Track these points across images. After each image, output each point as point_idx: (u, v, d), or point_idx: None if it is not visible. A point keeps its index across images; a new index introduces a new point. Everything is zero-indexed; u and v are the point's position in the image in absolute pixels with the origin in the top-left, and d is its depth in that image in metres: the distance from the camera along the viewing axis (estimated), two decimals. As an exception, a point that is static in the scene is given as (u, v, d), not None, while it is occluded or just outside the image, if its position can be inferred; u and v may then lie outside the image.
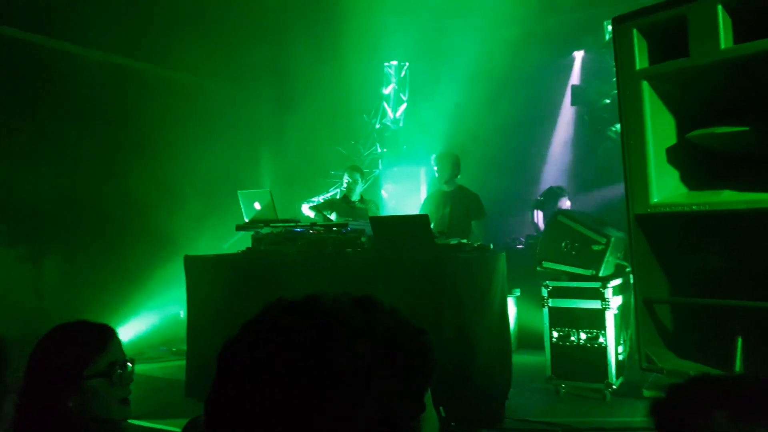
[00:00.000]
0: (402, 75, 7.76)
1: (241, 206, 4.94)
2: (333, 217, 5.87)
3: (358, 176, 5.92)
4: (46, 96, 5.69)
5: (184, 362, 4.63)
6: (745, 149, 2.27)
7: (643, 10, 2.38)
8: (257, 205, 4.91)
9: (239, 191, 4.98)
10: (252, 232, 4.83)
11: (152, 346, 5.85)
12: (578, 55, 7.07)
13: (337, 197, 6.27)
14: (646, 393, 2.21)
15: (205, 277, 4.64)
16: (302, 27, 7.02)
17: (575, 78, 7.04)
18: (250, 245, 4.78)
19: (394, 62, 7.72)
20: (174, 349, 5.91)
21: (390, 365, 0.72)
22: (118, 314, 5.80)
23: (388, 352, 0.74)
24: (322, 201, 6.35)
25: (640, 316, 2.42)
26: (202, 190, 6.30)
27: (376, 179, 7.67)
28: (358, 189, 5.94)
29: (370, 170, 7.09)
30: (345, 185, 5.98)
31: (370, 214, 5.85)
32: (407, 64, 7.71)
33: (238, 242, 5.70)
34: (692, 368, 2.30)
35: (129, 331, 5.79)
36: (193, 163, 6.40)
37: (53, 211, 5.63)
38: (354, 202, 5.90)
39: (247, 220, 4.92)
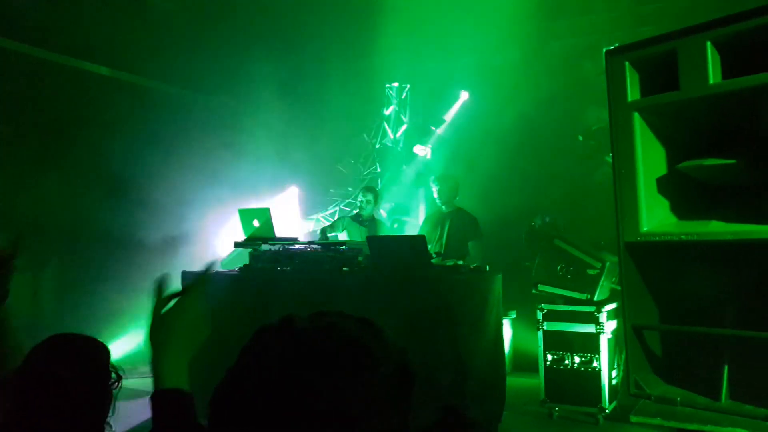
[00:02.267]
0: (403, 96, 7.86)
1: (241, 223, 4.99)
2: (344, 236, 5.93)
3: (371, 197, 6.00)
4: (50, 108, 5.77)
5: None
6: (733, 181, 2.32)
7: (636, 44, 2.45)
8: (256, 223, 4.96)
9: (239, 209, 5.04)
10: (250, 249, 4.87)
11: (147, 361, 5.84)
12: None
13: (347, 216, 6.32)
14: (633, 419, 2.24)
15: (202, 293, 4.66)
16: (307, 46, 7.13)
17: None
18: (248, 262, 4.82)
19: (396, 84, 7.82)
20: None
21: (394, 391, 0.77)
22: (115, 327, 5.81)
23: (395, 378, 0.79)
24: (335, 220, 6.41)
25: (629, 342, 2.46)
26: (201, 206, 6.35)
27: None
28: (371, 209, 6.01)
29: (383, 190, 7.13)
30: (359, 204, 6.06)
31: (380, 232, 5.92)
32: (408, 85, 7.81)
33: (236, 259, 5.74)
34: (680, 395, 2.33)
35: (124, 345, 5.81)
36: (193, 179, 6.46)
37: (54, 222, 5.67)
38: (365, 221, 5.97)
39: (245, 237, 4.96)
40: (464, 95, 7.39)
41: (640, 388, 2.39)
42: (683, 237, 2.29)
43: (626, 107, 2.43)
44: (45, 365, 1.51)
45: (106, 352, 1.65)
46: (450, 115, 7.32)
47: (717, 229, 2.23)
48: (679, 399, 2.30)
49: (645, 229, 2.39)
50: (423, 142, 7.57)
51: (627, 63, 2.43)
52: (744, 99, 2.19)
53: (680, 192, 2.43)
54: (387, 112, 7.90)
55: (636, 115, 2.41)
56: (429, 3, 6.19)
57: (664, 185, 2.42)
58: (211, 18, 6.49)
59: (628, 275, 2.47)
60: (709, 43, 2.22)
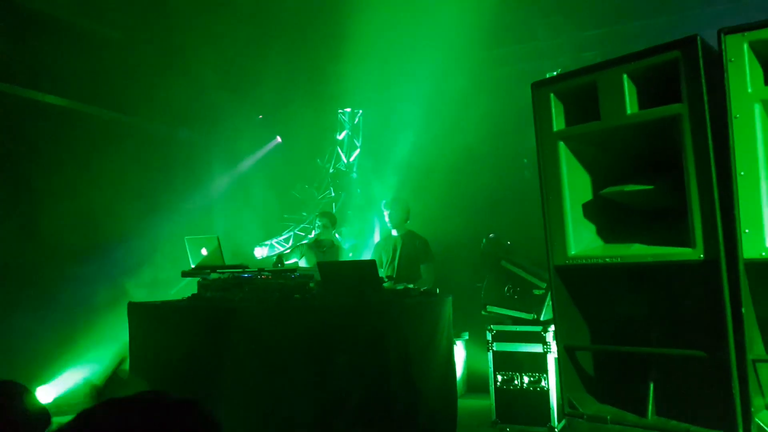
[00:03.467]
0: (355, 122, 7.95)
1: (188, 252, 4.93)
2: (303, 262, 5.91)
3: (327, 221, 6.01)
4: (7, 140, 5.63)
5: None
6: (653, 205, 2.44)
7: (560, 77, 2.57)
8: (204, 251, 4.91)
9: (186, 237, 4.98)
10: (198, 279, 4.81)
11: (88, 396, 5.67)
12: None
13: (305, 243, 6.32)
14: (565, 438, 2.30)
15: (149, 325, 4.59)
16: (255, 75, 7.15)
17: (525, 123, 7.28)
18: (195, 292, 4.76)
19: (348, 109, 7.91)
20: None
21: None
22: (57, 364, 5.63)
23: None
24: (294, 247, 6.38)
25: (562, 362, 2.53)
26: (149, 235, 6.25)
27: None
28: (328, 234, 6.02)
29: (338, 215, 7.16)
30: (315, 229, 6.06)
31: (341, 258, 5.93)
32: (360, 111, 7.91)
33: (185, 288, 5.65)
34: (610, 413, 2.41)
35: (67, 381, 5.63)
36: (143, 208, 6.36)
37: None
38: (324, 247, 5.96)
39: (193, 266, 4.90)
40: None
41: (574, 408, 2.46)
42: (608, 260, 2.39)
43: (552, 136, 2.54)
44: None
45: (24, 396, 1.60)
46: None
47: (639, 251, 2.34)
48: (609, 417, 2.38)
49: (572, 252, 2.48)
50: (375, 168, 7.66)
51: (552, 94, 2.55)
52: (659, 127, 2.32)
53: (605, 216, 2.54)
54: (340, 137, 7.97)
55: (561, 144, 2.52)
56: (379, 30, 6.31)
57: (589, 210, 2.53)
58: (166, 49, 6.47)
59: (559, 297, 2.55)
60: (625, 76, 2.35)
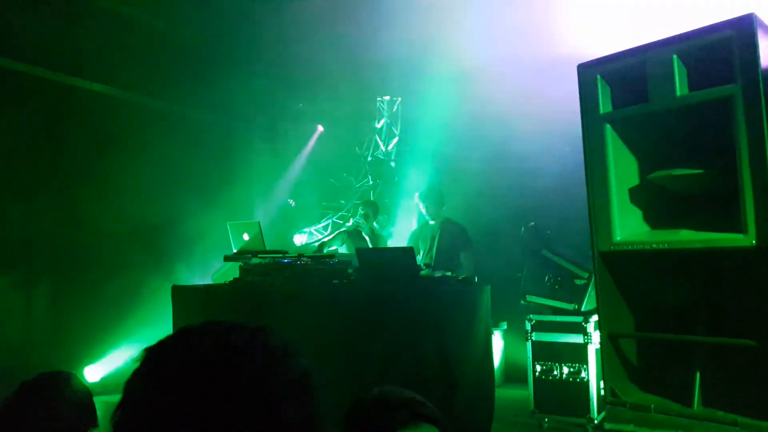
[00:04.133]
0: (394, 110, 7.93)
1: (230, 237, 5.03)
2: (343, 249, 5.96)
3: (370, 210, 6.04)
4: (44, 127, 5.81)
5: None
6: (702, 190, 2.37)
7: (606, 58, 2.50)
8: (246, 236, 4.99)
9: (228, 222, 5.07)
10: (240, 263, 4.90)
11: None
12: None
13: (346, 230, 6.37)
14: (607, 426, 2.27)
15: (192, 308, 4.69)
16: (296, 61, 7.20)
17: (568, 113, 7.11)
18: (238, 276, 4.85)
19: (387, 97, 7.89)
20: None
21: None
22: (105, 344, 5.83)
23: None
24: (334, 234, 6.45)
25: (605, 350, 2.49)
26: (192, 221, 6.38)
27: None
28: (370, 223, 6.06)
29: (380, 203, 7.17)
30: (357, 219, 6.11)
31: (381, 246, 5.96)
32: (399, 99, 7.89)
33: (226, 273, 5.77)
34: (654, 402, 2.36)
35: (114, 361, 5.82)
36: (186, 194, 6.50)
37: (45, 240, 5.70)
38: (365, 235, 6.01)
39: (235, 251, 4.99)
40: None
41: (616, 396, 2.42)
42: (655, 246, 2.33)
43: (598, 119, 2.48)
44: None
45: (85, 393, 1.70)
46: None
47: (687, 237, 2.28)
48: (653, 406, 2.33)
49: (618, 238, 2.43)
50: (413, 156, 7.64)
51: (598, 77, 2.49)
52: (710, 109, 2.24)
53: (652, 201, 2.48)
54: (378, 125, 7.97)
55: (608, 127, 2.47)
56: (418, 16, 6.27)
57: (636, 195, 2.47)
58: (208, 41, 6.58)
59: (603, 284, 2.51)
60: (675, 57, 2.28)
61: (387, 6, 6.23)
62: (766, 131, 2.06)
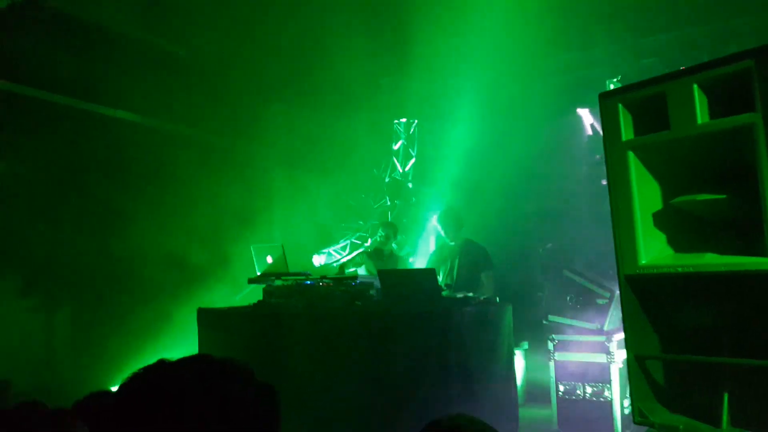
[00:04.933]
0: (411, 131, 8.05)
1: (254, 260, 5.12)
2: (362, 270, 6.03)
3: (390, 232, 6.14)
4: (63, 150, 5.96)
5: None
6: (724, 215, 2.43)
7: (628, 87, 2.59)
8: (269, 259, 5.08)
9: (252, 245, 5.17)
10: (264, 285, 4.98)
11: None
12: (583, 113, 7.26)
13: (365, 251, 6.45)
14: (638, 447, 2.31)
15: (218, 330, 4.78)
16: (314, 86, 7.35)
17: (586, 132, 7.17)
18: (261, 298, 4.93)
19: (404, 119, 8.02)
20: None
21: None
22: (127, 368, 5.92)
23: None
24: (354, 255, 6.53)
25: (632, 371, 2.54)
26: (214, 244, 6.50)
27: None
28: (390, 244, 6.14)
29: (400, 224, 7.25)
30: (377, 240, 6.19)
31: (401, 266, 6.04)
32: (416, 121, 8.02)
33: (249, 295, 5.86)
34: (682, 422, 2.40)
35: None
36: (207, 218, 6.62)
37: (67, 263, 5.82)
38: (384, 255, 6.09)
39: (259, 273, 5.08)
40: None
41: (644, 417, 2.47)
42: (680, 269, 2.39)
43: (621, 146, 2.56)
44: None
45: None
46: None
47: (711, 261, 2.34)
48: (681, 426, 2.37)
49: (643, 262, 2.49)
50: (430, 177, 7.74)
51: (620, 105, 2.57)
52: (731, 137, 2.31)
53: (676, 226, 2.54)
54: (396, 147, 8.09)
55: (630, 154, 2.54)
56: (435, 41, 6.40)
57: (660, 220, 2.54)
58: (226, 65, 6.74)
59: (628, 306, 2.56)
60: (695, 86, 2.36)
61: (405, 31, 6.39)
62: (786, 158, 2.13)
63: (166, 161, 6.54)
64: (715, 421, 2.34)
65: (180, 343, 5.52)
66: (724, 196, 2.33)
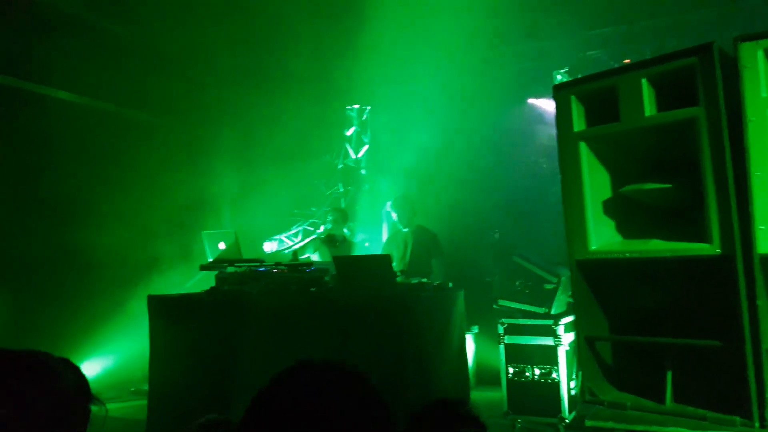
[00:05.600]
0: (363, 118, 8.05)
1: (206, 246, 5.04)
2: (315, 257, 6.02)
3: (338, 216, 6.13)
4: (13, 135, 5.70)
5: (142, 402, 4.65)
6: (670, 203, 2.56)
7: (580, 80, 2.69)
8: (222, 245, 5.01)
9: (203, 232, 5.09)
10: (216, 272, 4.91)
11: (110, 386, 5.80)
12: (535, 102, 7.37)
13: (319, 237, 6.43)
14: (588, 423, 2.43)
15: (169, 317, 4.69)
16: (265, 71, 7.24)
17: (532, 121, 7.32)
18: (213, 285, 4.86)
19: (356, 105, 8.01)
20: (132, 389, 5.87)
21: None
22: (75, 354, 5.74)
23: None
24: (307, 242, 6.50)
25: (582, 352, 2.66)
26: (165, 230, 6.35)
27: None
28: (341, 230, 6.14)
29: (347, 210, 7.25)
30: (328, 225, 6.18)
31: (354, 252, 6.05)
32: (369, 107, 8.01)
33: (201, 282, 5.77)
34: (629, 400, 2.54)
35: (86, 370, 5.74)
36: (156, 203, 6.46)
37: (8, 247, 5.58)
38: (337, 242, 6.08)
39: (211, 260, 5.00)
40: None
41: (594, 395, 2.59)
42: (627, 254, 2.52)
43: (573, 136, 2.66)
44: None
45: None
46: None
47: (657, 246, 2.47)
48: (628, 404, 2.51)
49: (593, 247, 2.60)
50: (384, 164, 7.78)
51: (573, 97, 2.66)
52: (676, 129, 2.44)
53: (624, 213, 2.67)
54: (348, 133, 8.08)
55: (582, 144, 2.64)
56: (387, 28, 6.40)
57: (609, 207, 2.65)
58: (175, 47, 6.55)
59: (579, 290, 2.68)
60: (644, 80, 2.47)
61: (357, 17, 6.36)
62: (726, 150, 2.26)
63: (117, 147, 6.33)
64: (660, 398, 2.48)
65: (133, 330, 5.40)
66: (669, 186, 2.45)
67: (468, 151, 6.78)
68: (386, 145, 7.83)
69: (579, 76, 6.42)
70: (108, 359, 5.94)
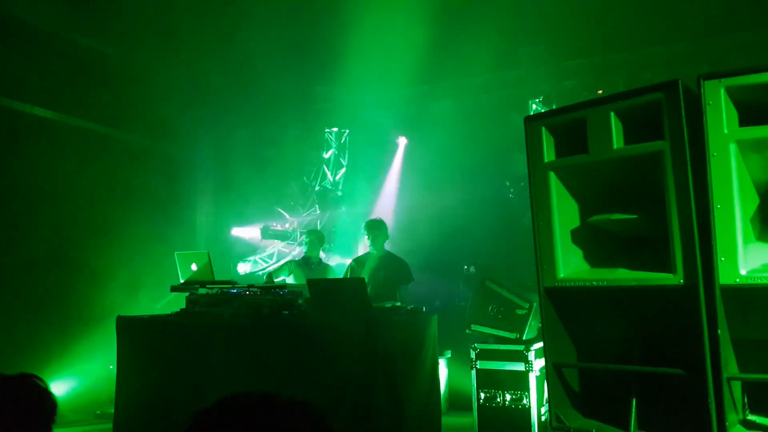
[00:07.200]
0: (342, 141, 8.10)
1: (178, 267, 4.97)
2: (291, 279, 5.97)
3: (315, 239, 6.10)
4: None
5: (107, 425, 4.54)
6: (636, 233, 2.63)
7: (551, 112, 2.76)
8: (194, 266, 4.95)
9: (176, 252, 5.03)
10: (187, 294, 4.84)
11: (75, 409, 5.66)
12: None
13: (294, 260, 6.38)
14: (555, 451, 2.45)
15: (137, 339, 4.61)
16: (244, 92, 7.27)
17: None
18: (184, 306, 4.79)
19: (335, 128, 8.05)
20: (98, 412, 5.73)
21: None
22: (41, 375, 5.60)
23: None
24: (282, 264, 6.45)
25: (550, 379, 2.68)
26: (137, 251, 6.27)
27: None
28: (317, 252, 6.11)
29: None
30: (302, 247, 6.14)
31: (329, 275, 6.01)
32: (347, 131, 8.07)
33: (171, 303, 5.68)
34: (595, 427, 2.56)
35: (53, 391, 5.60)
36: (129, 223, 6.38)
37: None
38: (312, 264, 6.05)
39: (182, 281, 4.94)
40: (402, 141, 7.73)
41: (561, 422, 2.61)
42: (595, 283, 2.56)
43: (543, 167, 2.72)
44: None
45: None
46: (395, 163, 7.63)
47: (623, 276, 2.52)
48: (594, 430, 2.53)
49: (561, 275, 2.65)
50: (361, 188, 7.82)
51: (543, 128, 2.73)
52: (643, 162, 2.51)
53: (592, 242, 2.72)
54: (326, 155, 8.11)
55: (552, 174, 2.70)
56: (367, 53, 6.49)
57: (577, 236, 2.71)
58: (152, 67, 6.55)
59: (548, 317, 2.71)
60: (612, 114, 2.55)
61: (337, 41, 6.45)
62: (691, 183, 2.33)
63: (82, 159, 6.24)
64: (624, 425, 2.51)
65: (99, 352, 5.28)
66: (635, 216, 2.52)
67: (445, 176, 6.86)
68: (364, 168, 7.88)
69: (554, 106, 6.64)
70: (73, 381, 5.79)
